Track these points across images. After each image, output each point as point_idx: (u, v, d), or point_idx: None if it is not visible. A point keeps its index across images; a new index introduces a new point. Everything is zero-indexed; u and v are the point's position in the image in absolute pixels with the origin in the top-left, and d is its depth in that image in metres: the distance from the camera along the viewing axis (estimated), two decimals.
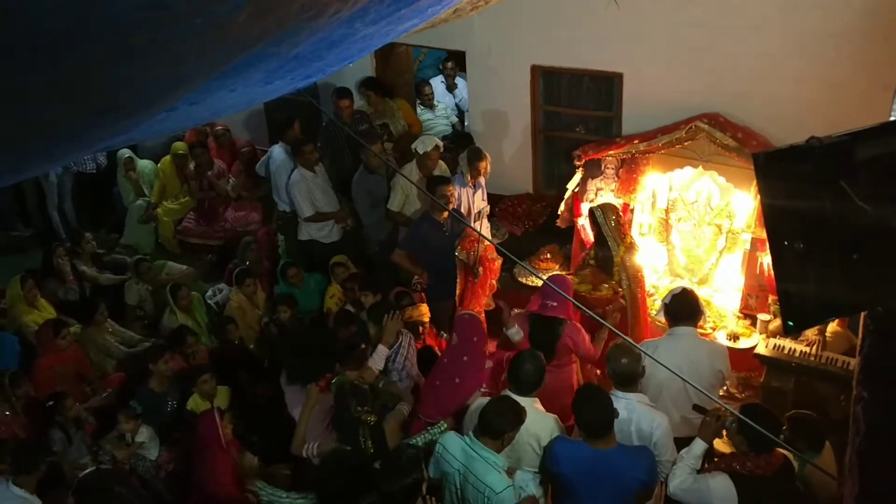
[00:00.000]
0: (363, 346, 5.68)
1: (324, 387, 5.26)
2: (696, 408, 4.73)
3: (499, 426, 4.24)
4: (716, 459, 4.55)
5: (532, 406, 4.60)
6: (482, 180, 7.27)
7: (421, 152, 7.17)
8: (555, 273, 6.63)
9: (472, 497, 4.27)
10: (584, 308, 4.51)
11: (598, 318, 4.60)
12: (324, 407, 5.19)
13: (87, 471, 5.16)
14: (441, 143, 7.35)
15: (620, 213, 6.56)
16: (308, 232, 7.74)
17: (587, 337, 5.62)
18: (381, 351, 5.57)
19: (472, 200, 7.19)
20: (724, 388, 5.55)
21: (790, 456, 4.29)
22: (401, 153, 8.17)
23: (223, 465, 5.27)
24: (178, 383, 6.21)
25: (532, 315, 5.56)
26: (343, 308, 6.71)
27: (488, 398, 4.70)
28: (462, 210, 7.05)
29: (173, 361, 6.28)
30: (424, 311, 6.25)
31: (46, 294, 7.44)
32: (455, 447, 4.38)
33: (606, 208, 6.50)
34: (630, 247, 6.35)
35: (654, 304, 6.86)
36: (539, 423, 4.58)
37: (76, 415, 5.89)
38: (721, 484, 4.11)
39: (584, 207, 7.52)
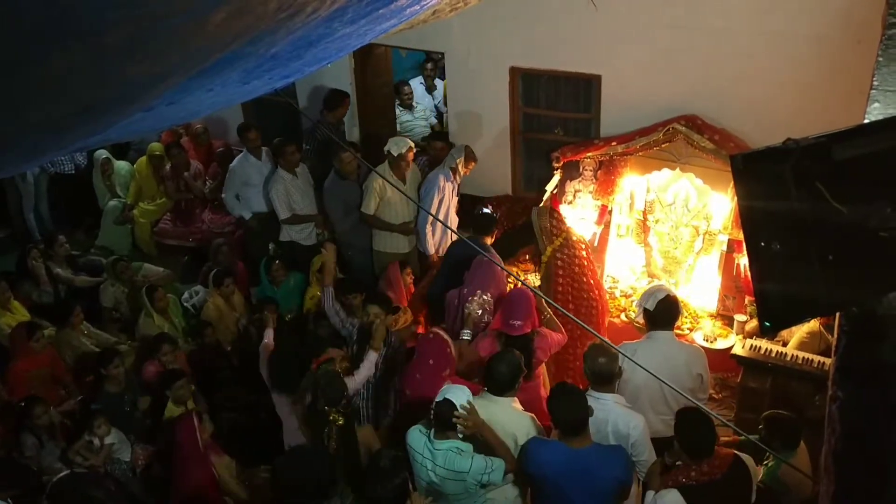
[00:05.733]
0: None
1: (316, 366, 5.32)
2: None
3: (450, 418, 4.32)
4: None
5: (510, 406, 4.62)
6: (457, 179, 7.31)
7: (395, 154, 7.15)
8: (517, 288, 6.58)
9: (454, 489, 4.34)
10: (560, 307, 4.52)
11: (574, 317, 4.60)
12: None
13: (61, 474, 5.11)
14: (413, 144, 7.34)
15: (557, 216, 6.60)
16: (288, 233, 7.73)
17: (550, 333, 5.57)
18: (372, 356, 5.57)
19: (452, 196, 7.23)
20: (709, 392, 5.55)
21: (743, 456, 4.28)
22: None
23: (201, 469, 5.23)
24: (135, 381, 6.27)
25: (501, 335, 5.45)
26: (323, 310, 6.69)
27: None
28: (443, 206, 7.10)
29: (153, 366, 6.30)
30: (410, 316, 6.26)
31: (20, 296, 7.35)
32: (419, 444, 4.45)
33: (541, 211, 6.65)
34: (561, 247, 6.39)
35: (632, 306, 6.90)
36: (516, 421, 4.58)
37: (48, 422, 5.81)
38: (671, 500, 4.10)
39: (563, 209, 7.55)
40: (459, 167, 7.13)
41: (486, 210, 7.19)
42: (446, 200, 7.17)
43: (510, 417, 4.57)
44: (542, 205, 7.12)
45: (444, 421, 4.35)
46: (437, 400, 4.38)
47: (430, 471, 4.38)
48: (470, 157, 7.28)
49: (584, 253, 6.54)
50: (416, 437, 4.49)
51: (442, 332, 5.54)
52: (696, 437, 4.14)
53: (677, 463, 4.26)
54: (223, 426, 6.12)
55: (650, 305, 5.19)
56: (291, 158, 7.49)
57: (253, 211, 7.98)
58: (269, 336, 5.95)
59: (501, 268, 5.70)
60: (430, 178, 7.22)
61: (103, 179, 9.22)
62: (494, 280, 6.06)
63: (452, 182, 7.19)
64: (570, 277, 6.48)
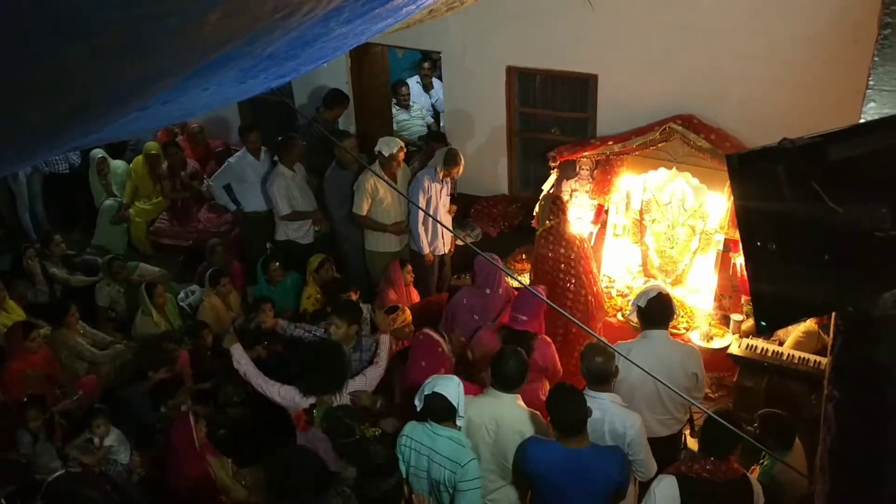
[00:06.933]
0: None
1: (304, 424, 5.02)
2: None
3: (443, 409, 4.34)
4: None
5: (514, 402, 4.61)
6: (448, 180, 7.30)
7: (386, 154, 7.11)
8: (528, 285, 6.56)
9: (438, 474, 4.34)
10: (560, 310, 4.51)
11: (575, 320, 4.60)
12: (312, 442, 5.03)
13: (57, 474, 5.10)
14: (403, 144, 7.32)
15: (559, 204, 6.49)
16: (285, 232, 7.73)
17: (556, 353, 5.57)
18: (385, 340, 5.60)
19: (440, 196, 7.22)
20: (705, 391, 5.55)
21: (753, 480, 4.25)
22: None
23: (197, 469, 5.23)
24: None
25: (503, 329, 5.47)
26: (320, 308, 6.69)
27: None
28: (431, 206, 7.09)
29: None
30: (409, 315, 6.27)
31: (16, 296, 7.34)
32: (418, 433, 4.46)
33: (549, 195, 6.72)
34: (546, 234, 6.38)
35: (628, 305, 6.90)
36: (521, 418, 4.58)
37: (39, 426, 5.79)
38: (664, 486, 4.10)
39: None
40: (440, 174, 7.08)
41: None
42: (434, 200, 7.13)
43: (515, 414, 4.58)
44: (549, 194, 7.09)
45: (437, 412, 4.35)
46: (425, 393, 4.38)
47: (430, 459, 4.38)
48: (449, 162, 7.06)
49: (573, 254, 6.37)
50: (413, 427, 4.51)
51: (432, 332, 5.55)
52: (718, 437, 4.11)
53: (684, 453, 4.27)
54: (220, 425, 6.13)
55: (642, 304, 5.21)
56: (298, 151, 7.54)
57: (248, 210, 7.97)
58: (244, 362, 5.48)
59: (508, 274, 5.66)
60: (416, 178, 7.21)
61: (99, 178, 9.20)
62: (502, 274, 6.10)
63: (440, 183, 7.16)
64: (552, 267, 6.40)
